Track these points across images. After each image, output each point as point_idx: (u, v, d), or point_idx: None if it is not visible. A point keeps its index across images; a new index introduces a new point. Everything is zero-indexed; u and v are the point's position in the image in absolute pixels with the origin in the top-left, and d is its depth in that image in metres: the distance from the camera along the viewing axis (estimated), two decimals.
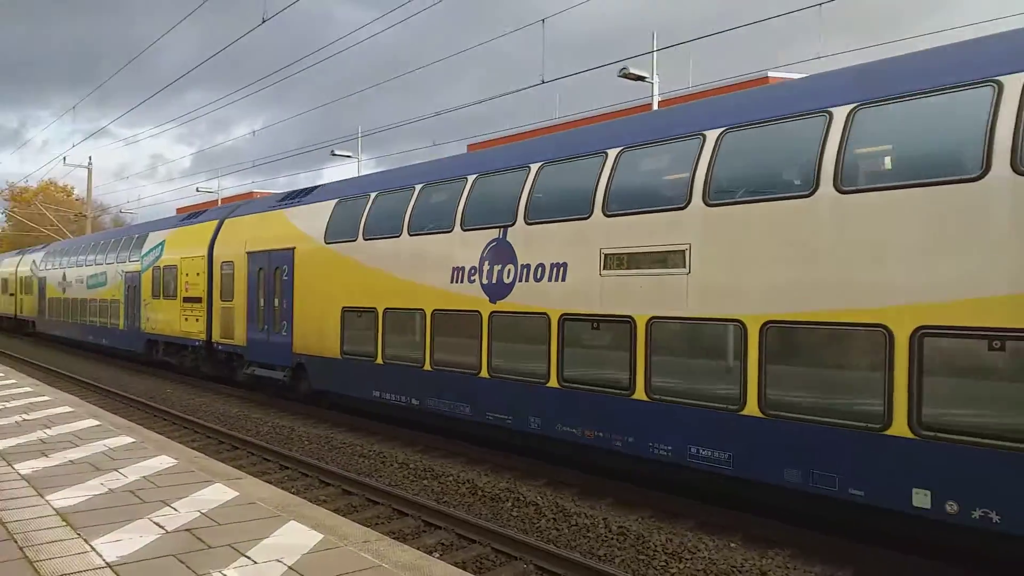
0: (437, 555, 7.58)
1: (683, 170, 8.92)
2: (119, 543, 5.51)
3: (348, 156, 36.36)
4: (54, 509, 6.33)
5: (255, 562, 5.26)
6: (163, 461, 8.38)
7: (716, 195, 8.50)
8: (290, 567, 5.18)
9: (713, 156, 8.63)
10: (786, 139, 8.26)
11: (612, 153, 9.84)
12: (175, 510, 6.43)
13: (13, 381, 15.87)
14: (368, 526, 7.35)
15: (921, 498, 6.62)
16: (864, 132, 7.48)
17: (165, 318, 22.06)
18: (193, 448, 10.90)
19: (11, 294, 41.13)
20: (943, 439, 6.53)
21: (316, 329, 15.12)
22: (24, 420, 10.77)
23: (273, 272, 16.60)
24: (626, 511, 9.18)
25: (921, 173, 6.97)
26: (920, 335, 6.70)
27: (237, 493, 7.14)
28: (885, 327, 6.93)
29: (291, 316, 15.89)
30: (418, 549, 6.67)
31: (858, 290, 7.18)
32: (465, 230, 11.73)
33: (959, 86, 6.93)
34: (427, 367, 12.24)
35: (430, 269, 12.26)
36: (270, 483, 8.81)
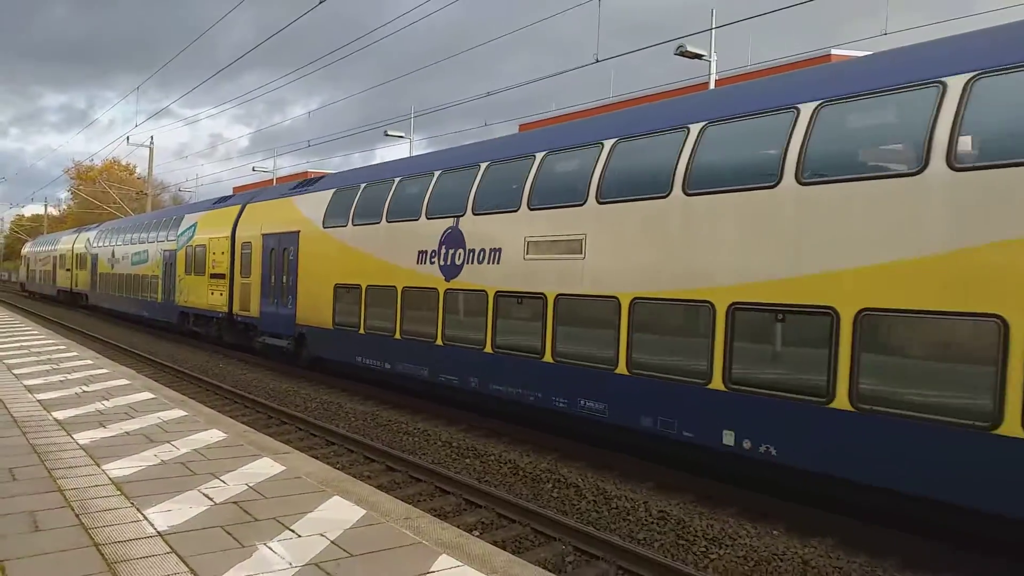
0: (477, 533, 7.67)
1: (586, 172, 10.61)
2: (169, 513, 5.70)
3: (400, 136, 36.83)
4: (109, 478, 6.57)
5: (299, 536, 5.39)
6: (213, 435, 8.63)
7: (605, 194, 10.25)
8: (332, 542, 5.30)
9: (606, 162, 10.40)
10: (656, 149, 9.89)
11: (539, 156, 11.64)
12: (224, 483, 6.62)
13: (75, 354, 16.47)
14: (410, 503, 7.46)
15: (728, 437, 8.51)
16: (707, 145, 9.17)
17: (195, 292, 24.42)
18: (243, 422, 11.19)
19: (68, 269, 44.45)
20: (743, 391, 8.35)
21: (314, 303, 17.15)
22: (84, 392, 11.18)
23: (282, 252, 18.71)
24: (667, 495, 9.16)
25: (739, 181, 8.71)
26: (733, 309, 8.51)
27: (284, 467, 7.32)
28: (711, 303, 8.72)
29: (295, 291, 18.05)
30: (458, 527, 6.74)
31: (695, 273, 9.01)
32: (429, 219, 13.60)
33: (771, 111, 8.66)
34: (397, 336, 14.23)
35: (402, 251, 14.14)
36: (316, 458, 9.00)
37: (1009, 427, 6.24)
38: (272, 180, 48.04)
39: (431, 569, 4.91)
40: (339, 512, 6.01)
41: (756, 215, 8.41)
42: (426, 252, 13.43)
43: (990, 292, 6.47)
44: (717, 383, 8.59)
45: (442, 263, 13.03)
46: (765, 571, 7.00)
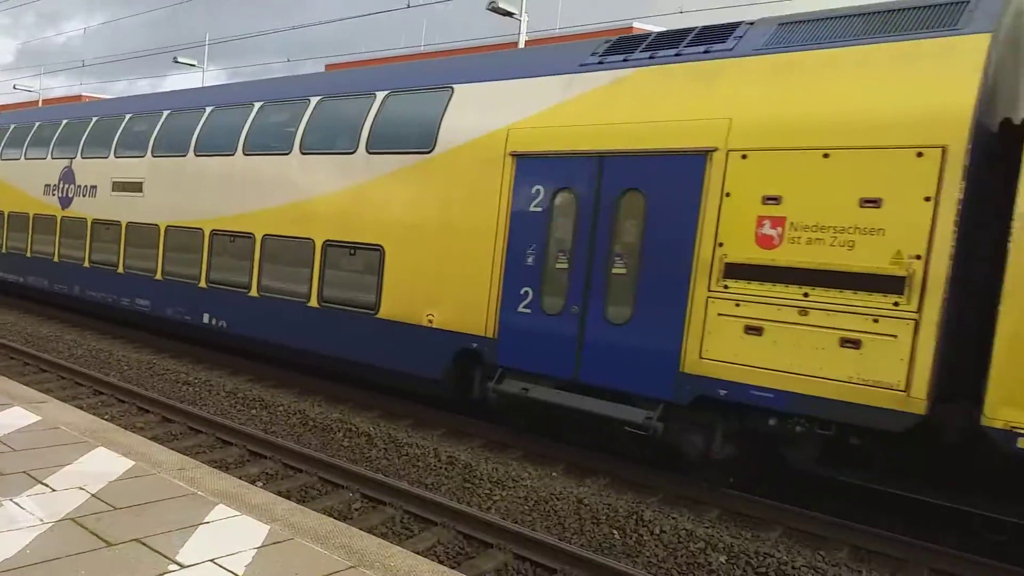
0: (260, 484, 7.43)
1: (149, 132, 14.39)
2: None
3: (192, 65, 34.34)
4: None
5: (53, 490, 4.93)
6: None
7: (156, 150, 14.10)
8: (93, 495, 4.89)
9: (161, 127, 14.21)
10: (185, 122, 13.71)
11: (127, 117, 15.33)
12: None
13: None
14: (187, 455, 7.07)
15: (206, 318, 12.63)
16: (210, 123, 13.20)
17: None
18: None
19: None
20: (213, 288, 12.48)
21: None
22: None
23: None
24: (457, 441, 9.39)
25: (220, 149, 12.67)
26: (212, 233, 12.49)
27: (39, 418, 6.64)
28: (202, 229, 12.67)
29: None
30: (240, 478, 6.51)
31: (196, 210, 12.89)
32: (53, 158, 16.78)
33: (238, 105, 12.96)
34: (29, 255, 17.39)
35: (33, 184, 17.24)
36: (80, 408, 8.24)
37: (313, 302, 10.93)
38: (38, 101, 42.83)
39: (205, 519, 4.70)
40: (103, 464, 5.57)
41: (224, 174, 12.45)
42: (50, 186, 16.67)
43: (307, 225, 11.01)
44: (203, 283, 12.65)
45: (60, 195, 16.34)
46: (543, 510, 7.41)
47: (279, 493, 6.82)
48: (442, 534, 6.68)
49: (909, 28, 6.89)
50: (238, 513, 4.89)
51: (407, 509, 7.10)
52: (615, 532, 6.97)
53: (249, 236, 11.83)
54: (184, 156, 13.28)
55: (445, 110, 9.70)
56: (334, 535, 4.72)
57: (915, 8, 7.06)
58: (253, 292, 11.78)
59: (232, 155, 12.35)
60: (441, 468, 8.42)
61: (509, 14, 21.60)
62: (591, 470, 8.50)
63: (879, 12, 7.28)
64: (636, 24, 27.40)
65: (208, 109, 13.37)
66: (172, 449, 6.85)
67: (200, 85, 30.35)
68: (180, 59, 34.17)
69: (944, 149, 6.16)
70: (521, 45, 21.70)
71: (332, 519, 5.20)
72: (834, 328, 6.56)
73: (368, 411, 10.57)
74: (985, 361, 6.08)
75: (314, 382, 11.75)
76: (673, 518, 7.19)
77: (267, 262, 11.66)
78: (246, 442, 8.82)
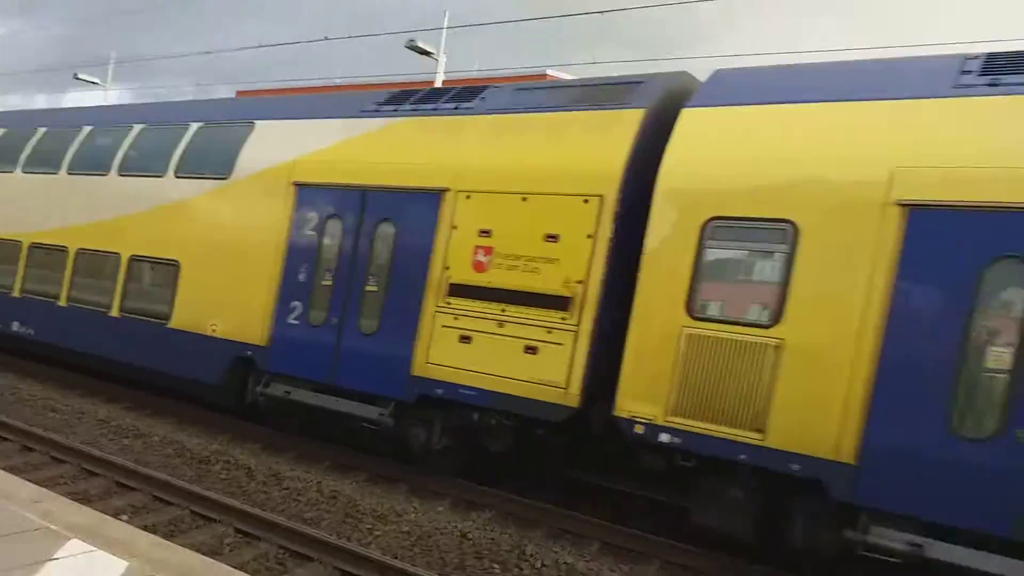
0: (125, 517, 7.02)
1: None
2: None
3: (95, 83, 32.91)
4: None
5: None
6: None
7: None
8: None
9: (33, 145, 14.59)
10: (12, 143, 14.48)
11: None
12: None
13: None
14: (46, 486, 6.61)
15: (16, 326, 13.01)
16: (42, 144, 13.98)
17: None
18: None
19: None
20: (26, 297, 13.04)
21: None
22: None
23: None
24: (342, 475, 9.16)
25: (45, 168, 13.44)
26: (31, 246, 13.11)
27: None
28: (21, 242, 13.22)
29: None
30: (102, 511, 6.15)
31: (20, 223, 13.35)
32: None
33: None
34: None
35: None
36: None
37: (115, 312, 11.59)
38: None
39: (55, 556, 4.40)
40: None
41: (47, 190, 13.23)
42: None
43: (116, 240, 11.77)
44: (16, 292, 13.18)
45: None
46: (426, 544, 7.31)
47: (145, 527, 6.47)
48: (318, 571, 6.50)
49: (597, 101, 8.52)
50: (94, 548, 4.61)
51: (282, 544, 6.86)
52: (496, 567, 6.96)
53: (64, 249, 12.56)
54: (12, 172, 14.05)
55: (245, 142, 10.82)
56: (199, 571, 4.52)
57: (606, 85, 8.81)
58: (62, 302, 12.44)
59: (56, 173, 13.15)
60: (323, 502, 8.20)
61: (427, 53, 21.78)
62: (477, 504, 8.46)
63: (584, 86, 9.02)
64: (550, 71, 27.98)
65: (41, 130, 14.16)
66: (28, 480, 6.40)
67: (102, 103, 29.22)
68: (81, 75, 32.66)
69: (601, 198, 7.70)
70: (438, 84, 21.85)
71: (200, 554, 4.99)
72: (521, 337, 8.01)
73: (250, 442, 10.19)
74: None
75: (194, 411, 11.25)
76: (555, 552, 7.25)
77: (78, 274, 12.42)
78: (114, 473, 8.34)
